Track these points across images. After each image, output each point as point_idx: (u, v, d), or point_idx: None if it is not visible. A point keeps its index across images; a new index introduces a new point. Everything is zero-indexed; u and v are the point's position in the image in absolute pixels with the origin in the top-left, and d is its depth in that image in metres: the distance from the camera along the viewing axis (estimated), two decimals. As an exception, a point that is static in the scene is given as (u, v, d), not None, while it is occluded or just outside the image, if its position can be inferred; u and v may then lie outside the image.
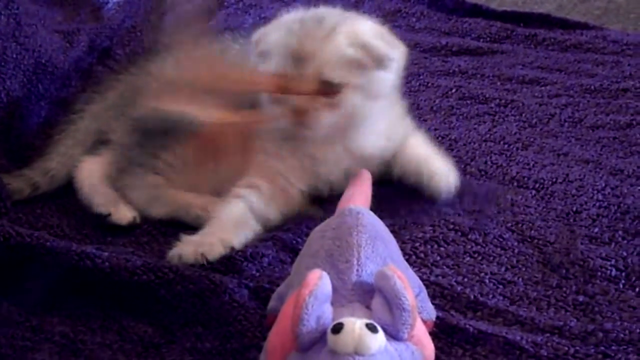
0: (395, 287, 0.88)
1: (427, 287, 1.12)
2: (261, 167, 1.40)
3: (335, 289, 0.91)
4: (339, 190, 1.29)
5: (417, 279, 1.07)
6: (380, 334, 0.86)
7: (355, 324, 0.86)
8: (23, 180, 1.49)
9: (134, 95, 1.53)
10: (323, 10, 1.41)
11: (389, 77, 1.38)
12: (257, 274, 1.25)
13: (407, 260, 1.14)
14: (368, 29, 1.37)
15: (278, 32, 1.36)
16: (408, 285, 0.89)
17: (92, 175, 1.49)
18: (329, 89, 1.31)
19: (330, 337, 0.85)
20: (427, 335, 0.97)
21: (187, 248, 1.28)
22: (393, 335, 0.89)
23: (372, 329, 0.86)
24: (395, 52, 1.36)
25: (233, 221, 1.34)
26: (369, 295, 0.93)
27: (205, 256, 1.26)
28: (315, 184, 1.42)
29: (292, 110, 1.32)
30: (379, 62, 1.33)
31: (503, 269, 1.26)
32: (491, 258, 1.28)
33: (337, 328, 0.85)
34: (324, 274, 0.89)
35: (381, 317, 0.89)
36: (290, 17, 1.40)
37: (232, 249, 1.29)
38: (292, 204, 1.41)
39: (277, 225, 1.38)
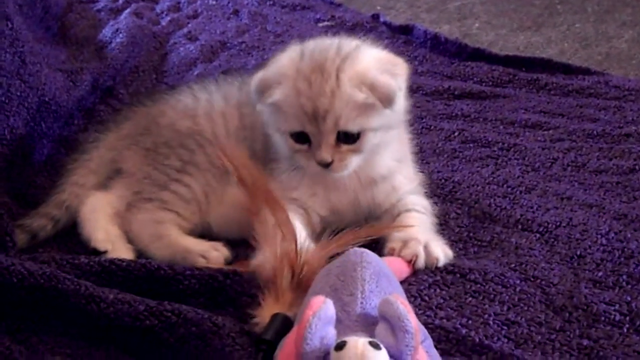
0: (398, 310, 0.89)
1: (432, 331, 1.11)
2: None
3: (339, 321, 0.92)
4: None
5: (422, 326, 1.06)
6: (383, 351, 0.87)
7: (358, 342, 0.87)
8: (42, 216, 1.49)
9: (148, 124, 1.54)
10: (319, 53, 1.36)
11: (400, 106, 1.39)
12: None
13: (412, 302, 1.14)
14: (371, 64, 1.35)
15: (284, 88, 1.34)
16: (411, 310, 0.89)
17: (96, 209, 1.49)
18: (349, 138, 1.33)
19: (333, 354, 0.86)
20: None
21: None
22: (396, 357, 0.89)
23: (375, 346, 0.87)
24: (399, 79, 1.35)
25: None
26: (372, 326, 0.93)
27: None
28: (331, 208, 1.44)
29: (319, 164, 1.34)
30: (389, 101, 1.31)
31: (505, 307, 1.25)
32: (492, 296, 1.28)
33: (340, 345, 0.87)
34: (328, 299, 0.90)
35: (384, 341, 0.90)
36: (288, 65, 1.37)
37: None
38: (314, 229, 1.42)
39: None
